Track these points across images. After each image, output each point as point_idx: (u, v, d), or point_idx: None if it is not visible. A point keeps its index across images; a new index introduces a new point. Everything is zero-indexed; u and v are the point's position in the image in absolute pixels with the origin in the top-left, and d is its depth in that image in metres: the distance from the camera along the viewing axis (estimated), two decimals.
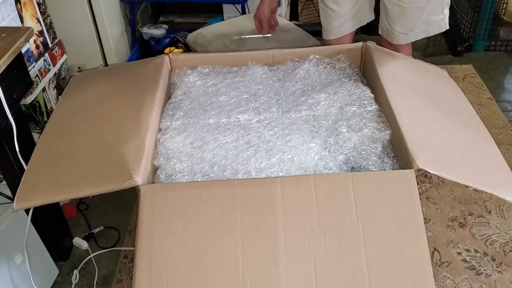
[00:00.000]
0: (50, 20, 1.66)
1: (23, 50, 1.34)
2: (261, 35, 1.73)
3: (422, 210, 0.90)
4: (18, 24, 1.45)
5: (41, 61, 1.56)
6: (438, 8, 1.42)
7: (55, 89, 1.68)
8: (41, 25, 1.58)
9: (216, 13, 2.53)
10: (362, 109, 1.17)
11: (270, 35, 1.73)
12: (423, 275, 0.84)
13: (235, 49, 1.72)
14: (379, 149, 1.09)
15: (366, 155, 1.08)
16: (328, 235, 0.88)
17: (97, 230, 1.64)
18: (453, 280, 1.39)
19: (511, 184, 0.97)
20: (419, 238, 0.87)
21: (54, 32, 1.68)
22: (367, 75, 1.37)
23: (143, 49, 2.41)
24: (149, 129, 1.08)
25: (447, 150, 1.01)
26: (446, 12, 1.44)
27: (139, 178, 0.93)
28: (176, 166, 1.06)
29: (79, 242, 1.57)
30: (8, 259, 1.25)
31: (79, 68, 2.14)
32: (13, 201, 1.04)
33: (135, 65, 1.45)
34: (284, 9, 2.47)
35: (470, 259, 1.45)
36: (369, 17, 1.59)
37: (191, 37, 1.90)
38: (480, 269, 1.42)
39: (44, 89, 1.59)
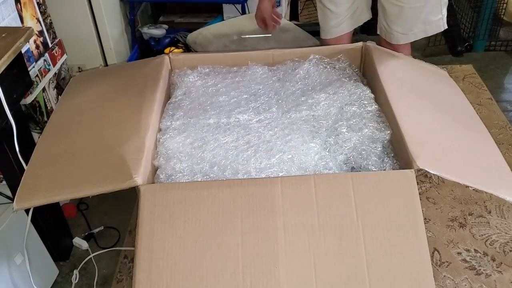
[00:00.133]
0: (50, 20, 1.66)
1: (23, 50, 1.34)
2: (261, 35, 1.73)
3: (422, 210, 0.90)
4: (18, 24, 1.45)
5: (41, 61, 1.56)
6: (437, 8, 1.43)
7: (55, 89, 1.68)
8: (41, 25, 1.58)
9: (216, 13, 2.53)
10: (362, 109, 1.17)
11: (270, 35, 1.73)
12: (423, 275, 0.84)
13: (235, 49, 1.72)
14: (379, 149, 1.09)
15: (366, 155, 1.08)
16: (328, 235, 0.88)
17: (97, 230, 1.64)
18: (453, 280, 1.39)
19: (511, 184, 0.97)
20: (419, 238, 0.87)
21: (54, 32, 1.68)
22: (367, 75, 1.37)
23: (143, 49, 2.41)
24: (149, 129, 1.08)
25: (447, 150, 1.01)
26: (444, 11, 1.45)
27: (139, 178, 0.93)
28: (176, 166, 1.06)
29: (79, 242, 1.57)
30: (8, 259, 1.25)
31: (79, 68, 2.15)
32: (13, 201, 1.04)
33: (135, 65, 1.45)
34: (284, 9, 2.47)
35: (470, 259, 1.45)
36: (366, 16, 1.59)
37: (191, 37, 1.90)
38: (480, 269, 1.42)
39: (44, 89, 1.59)
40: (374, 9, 1.58)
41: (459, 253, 1.47)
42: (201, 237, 0.88)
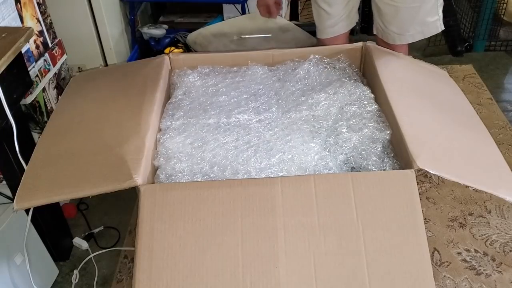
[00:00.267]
0: (50, 20, 1.66)
1: (23, 50, 1.34)
2: (261, 35, 1.72)
3: (422, 210, 0.90)
4: (18, 24, 1.45)
5: (41, 61, 1.56)
6: (433, 9, 1.42)
7: (55, 89, 1.68)
8: (41, 25, 1.58)
9: (216, 13, 2.53)
10: (362, 109, 1.17)
11: (270, 35, 1.72)
12: (423, 275, 0.84)
13: (235, 49, 1.72)
14: (379, 149, 1.09)
15: (366, 155, 1.08)
16: (328, 235, 0.88)
17: (97, 230, 1.64)
18: (453, 280, 1.39)
19: (511, 184, 0.97)
20: (419, 238, 0.87)
21: (54, 32, 1.68)
22: (367, 75, 1.37)
23: (143, 49, 2.41)
24: (149, 129, 1.08)
25: (447, 150, 1.01)
26: (441, 13, 1.45)
27: (139, 178, 0.93)
28: (176, 166, 1.06)
29: (79, 242, 1.57)
30: (8, 259, 1.25)
31: (79, 68, 2.14)
32: (13, 201, 1.04)
33: (135, 65, 1.45)
34: (284, 9, 2.47)
35: (470, 259, 1.45)
36: (356, 17, 1.60)
37: (191, 37, 1.90)
38: (480, 269, 1.42)
39: (44, 89, 1.59)
40: (369, 10, 1.58)
41: (459, 253, 1.47)
42: (201, 237, 0.88)
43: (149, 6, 2.72)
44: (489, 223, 1.57)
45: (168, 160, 1.07)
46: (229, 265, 0.85)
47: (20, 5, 1.46)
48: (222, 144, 1.10)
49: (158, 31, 2.32)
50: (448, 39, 2.55)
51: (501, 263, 1.44)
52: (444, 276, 1.41)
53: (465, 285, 1.38)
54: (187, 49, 2.06)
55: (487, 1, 2.42)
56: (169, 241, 0.87)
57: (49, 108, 1.63)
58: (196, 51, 1.84)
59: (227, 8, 2.44)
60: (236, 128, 1.15)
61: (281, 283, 0.84)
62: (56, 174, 0.99)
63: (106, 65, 2.22)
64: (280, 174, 1.04)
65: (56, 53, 1.66)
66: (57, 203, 1.54)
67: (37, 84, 1.53)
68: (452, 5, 2.56)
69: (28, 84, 1.31)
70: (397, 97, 1.13)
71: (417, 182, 0.92)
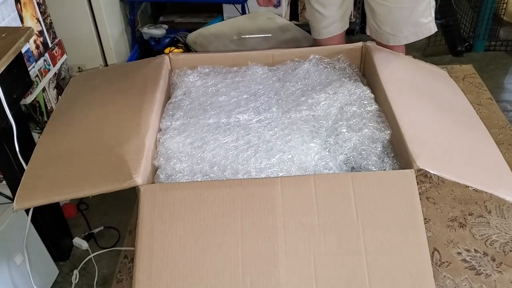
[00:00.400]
0: (50, 20, 1.66)
1: (23, 50, 1.34)
2: (261, 35, 1.72)
3: (422, 210, 0.90)
4: (18, 24, 1.45)
5: (41, 61, 1.56)
6: (427, 11, 1.42)
7: (55, 89, 1.68)
8: (41, 25, 1.59)
9: (216, 13, 2.53)
10: (362, 109, 1.17)
11: (270, 35, 1.72)
12: (423, 275, 0.84)
13: (235, 49, 1.72)
14: (379, 149, 1.09)
15: (366, 155, 1.08)
16: (328, 235, 0.88)
17: (97, 230, 1.64)
18: (453, 280, 1.39)
19: (511, 184, 0.97)
20: (419, 238, 0.87)
21: (54, 32, 1.68)
22: (367, 75, 1.37)
23: (143, 49, 2.41)
24: (149, 129, 1.08)
25: (447, 150, 1.01)
26: (433, 14, 1.45)
27: (139, 178, 0.93)
28: (176, 166, 1.06)
29: (79, 242, 1.57)
30: (8, 259, 1.25)
31: (79, 68, 2.14)
32: (13, 201, 1.04)
33: (135, 65, 1.45)
34: (284, 9, 2.47)
35: (470, 259, 1.45)
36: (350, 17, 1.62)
37: (191, 37, 1.90)
38: (480, 269, 1.42)
39: (44, 89, 1.59)
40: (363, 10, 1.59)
41: (459, 253, 1.47)
42: (201, 237, 0.88)
43: (149, 6, 2.72)
44: (489, 223, 1.57)
45: (168, 160, 1.07)
46: (229, 265, 0.85)
47: (20, 5, 1.46)
48: (222, 144, 1.10)
49: (158, 31, 2.32)
50: (448, 39, 2.55)
51: (501, 263, 1.44)
52: (444, 276, 1.41)
53: (465, 285, 1.38)
54: (187, 49, 2.06)
55: (487, 1, 2.42)
56: (169, 241, 0.87)
57: (49, 108, 1.63)
58: (196, 51, 1.84)
59: (227, 8, 2.44)
60: (236, 128, 1.15)
61: (281, 283, 0.84)
62: (56, 174, 0.99)
63: (106, 65, 2.22)
64: (280, 174, 1.04)
65: (56, 53, 1.66)
66: (57, 203, 1.54)
67: (37, 84, 1.53)
68: (452, 5, 2.56)
69: (28, 84, 1.31)
70: (397, 97, 1.13)
71: (417, 182, 0.92)
